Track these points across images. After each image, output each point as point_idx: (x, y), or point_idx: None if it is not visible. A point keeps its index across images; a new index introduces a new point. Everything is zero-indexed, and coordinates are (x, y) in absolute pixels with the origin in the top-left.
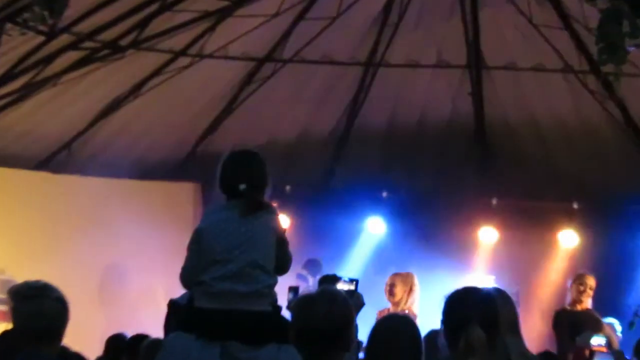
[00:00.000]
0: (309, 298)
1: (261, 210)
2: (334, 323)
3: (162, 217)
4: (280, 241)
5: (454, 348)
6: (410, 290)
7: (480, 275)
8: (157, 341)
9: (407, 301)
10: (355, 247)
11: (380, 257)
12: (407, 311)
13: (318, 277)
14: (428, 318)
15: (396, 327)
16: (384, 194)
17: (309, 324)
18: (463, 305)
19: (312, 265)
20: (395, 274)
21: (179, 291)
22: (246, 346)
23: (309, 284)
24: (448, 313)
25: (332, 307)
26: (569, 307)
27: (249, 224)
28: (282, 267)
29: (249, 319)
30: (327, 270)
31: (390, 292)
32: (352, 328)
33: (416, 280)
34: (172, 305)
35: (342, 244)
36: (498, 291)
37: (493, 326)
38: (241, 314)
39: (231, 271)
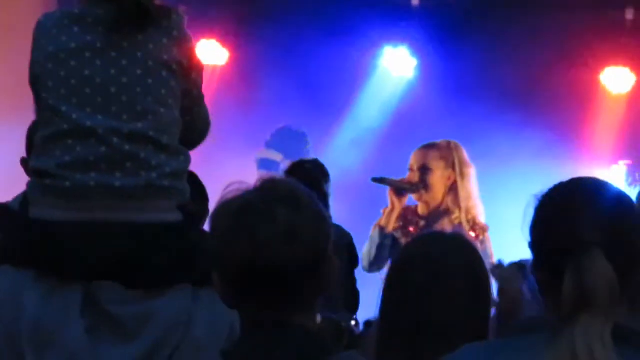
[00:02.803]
0: (242, 204)
1: (149, 23)
2: (295, 253)
3: None
4: (190, 88)
5: (552, 293)
6: (463, 174)
7: (602, 157)
8: None
9: (456, 201)
10: (356, 104)
11: (405, 122)
12: (461, 223)
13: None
14: (503, 238)
15: (440, 260)
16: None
17: (245, 256)
18: (571, 215)
19: (284, 139)
20: (426, 147)
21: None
22: (129, 291)
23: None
24: (541, 229)
25: (291, 220)
26: None
27: (124, 57)
28: (194, 135)
29: (134, 240)
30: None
31: (422, 182)
32: (330, 256)
33: (465, 156)
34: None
35: (333, 97)
36: None
37: (631, 256)
38: (120, 229)
39: (96, 152)
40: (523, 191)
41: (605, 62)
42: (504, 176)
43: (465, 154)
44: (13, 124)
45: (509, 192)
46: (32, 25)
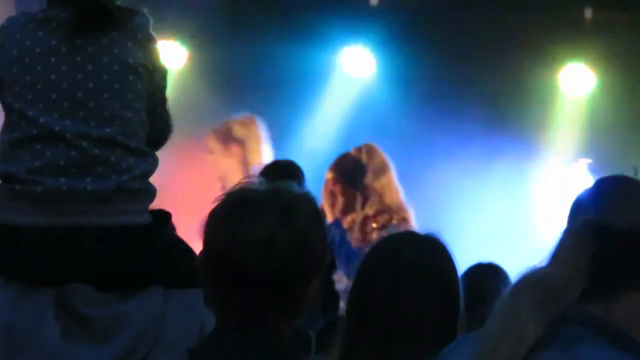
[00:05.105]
0: (239, 200)
1: (112, 26)
2: (265, 263)
3: None
4: (154, 90)
5: None
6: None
7: (562, 155)
8: None
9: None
10: (316, 103)
11: (364, 123)
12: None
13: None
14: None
15: (409, 260)
16: (373, 0)
17: (220, 250)
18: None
19: None
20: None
21: None
22: (102, 294)
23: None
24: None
25: (273, 231)
26: None
27: (89, 61)
28: (157, 136)
29: (106, 243)
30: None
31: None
32: (309, 281)
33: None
34: None
35: (293, 98)
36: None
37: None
38: (92, 233)
39: (66, 156)
40: (480, 191)
41: (564, 61)
42: (461, 178)
43: None
44: None
45: (466, 193)
46: None
